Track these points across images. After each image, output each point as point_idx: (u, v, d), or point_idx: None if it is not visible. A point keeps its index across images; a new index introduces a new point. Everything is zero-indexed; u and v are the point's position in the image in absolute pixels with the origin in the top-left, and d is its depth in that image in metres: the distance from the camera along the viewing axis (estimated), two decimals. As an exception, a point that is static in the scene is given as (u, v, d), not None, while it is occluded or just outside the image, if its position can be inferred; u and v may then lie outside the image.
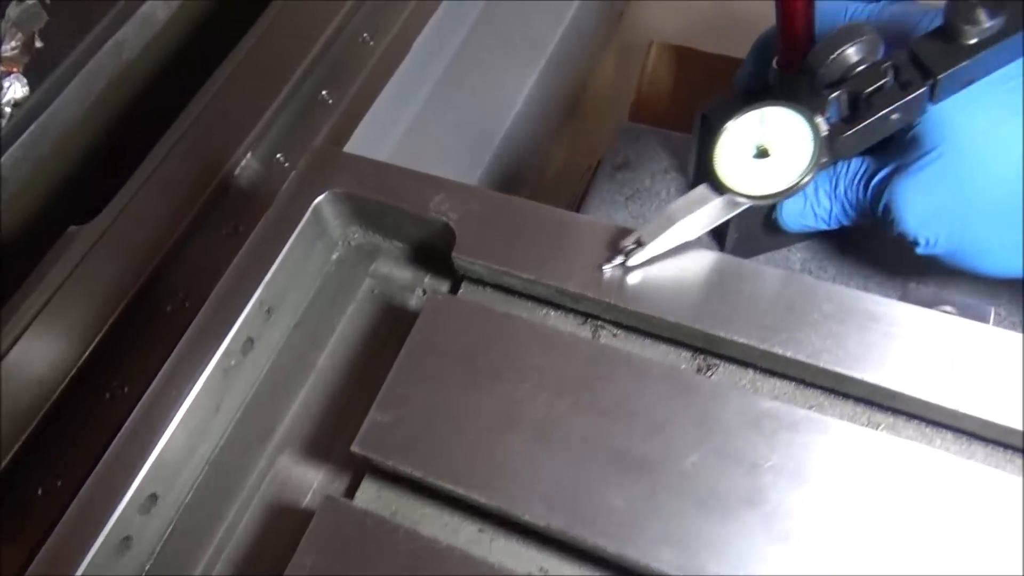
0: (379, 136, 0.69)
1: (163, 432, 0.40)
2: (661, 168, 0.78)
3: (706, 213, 0.43)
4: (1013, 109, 0.43)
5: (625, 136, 0.79)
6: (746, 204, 0.42)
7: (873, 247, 0.65)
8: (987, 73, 0.41)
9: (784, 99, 0.42)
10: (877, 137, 0.42)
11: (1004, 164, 0.44)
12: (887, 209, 0.49)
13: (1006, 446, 0.37)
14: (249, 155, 0.63)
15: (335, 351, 0.49)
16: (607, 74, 1.03)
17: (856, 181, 0.52)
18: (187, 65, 0.73)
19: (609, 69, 1.03)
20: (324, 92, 0.67)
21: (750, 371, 0.41)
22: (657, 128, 0.80)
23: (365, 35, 0.71)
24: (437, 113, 0.75)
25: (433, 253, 0.49)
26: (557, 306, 0.45)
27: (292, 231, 0.46)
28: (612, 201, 0.76)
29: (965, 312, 0.39)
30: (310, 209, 0.47)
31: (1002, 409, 0.35)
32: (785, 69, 0.56)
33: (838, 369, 0.37)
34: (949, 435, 0.38)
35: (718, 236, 0.67)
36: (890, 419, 0.39)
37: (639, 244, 0.43)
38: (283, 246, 0.46)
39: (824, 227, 0.55)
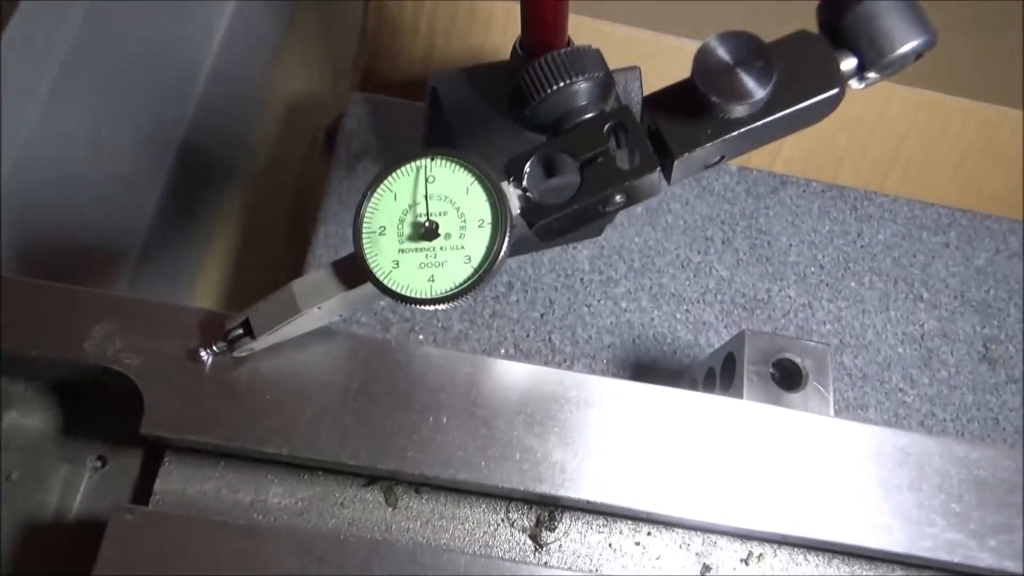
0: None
1: None
2: (405, 148, 0.63)
3: (341, 301, 0.30)
4: None
5: (356, 110, 0.64)
6: (395, 302, 0.29)
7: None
8: (739, 153, 0.29)
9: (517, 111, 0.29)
10: (586, 220, 0.30)
11: None
12: None
13: None
14: None
15: None
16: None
17: None
18: None
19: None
20: None
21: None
22: (394, 98, 0.64)
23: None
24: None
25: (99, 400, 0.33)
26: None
27: None
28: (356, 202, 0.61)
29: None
30: None
31: None
32: (530, 53, 0.43)
33: None
34: None
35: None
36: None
37: (247, 332, 0.28)
38: None
39: None
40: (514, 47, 0.49)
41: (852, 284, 0.66)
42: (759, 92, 0.26)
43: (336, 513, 0.34)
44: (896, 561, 0.34)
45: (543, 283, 0.62)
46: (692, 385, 0.55)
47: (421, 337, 0.58)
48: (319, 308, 0.29)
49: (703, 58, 0.26)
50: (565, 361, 0.60)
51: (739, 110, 0.26)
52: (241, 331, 0.31)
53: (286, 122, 0.83)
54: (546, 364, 0.58)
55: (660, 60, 0.65)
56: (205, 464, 0.34)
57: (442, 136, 0.55)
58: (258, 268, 0.72)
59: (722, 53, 0.26)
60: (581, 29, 0.54)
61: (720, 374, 0.47)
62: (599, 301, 0.62)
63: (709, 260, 0.65)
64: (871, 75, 0.29)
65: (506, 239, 0.28)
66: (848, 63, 0.28)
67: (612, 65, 0.36)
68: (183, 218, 0.69)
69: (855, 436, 0.35)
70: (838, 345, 0.63)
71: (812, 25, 0.30)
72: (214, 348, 0.31)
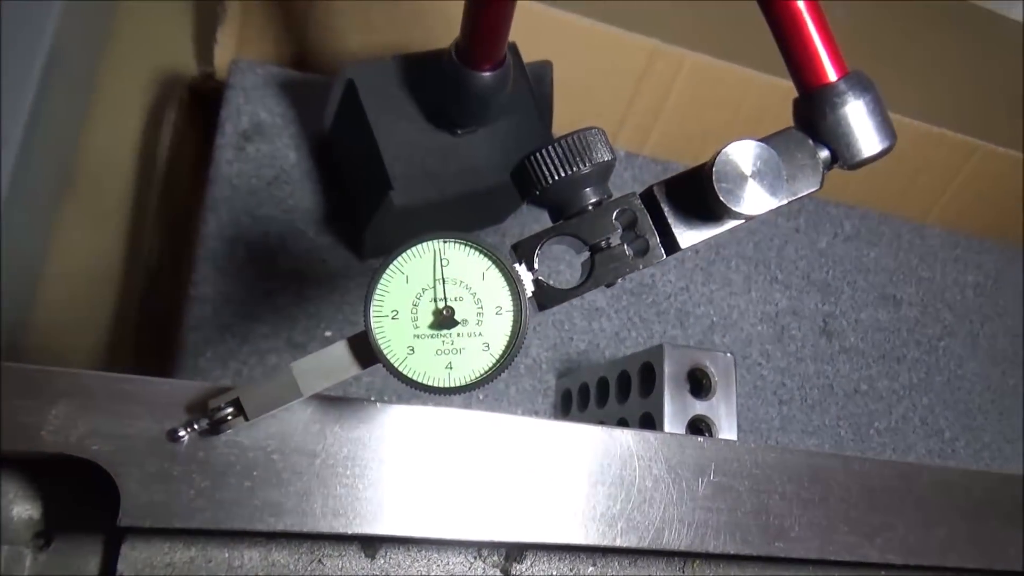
0: None
1: None
2: (304, 128, 0.60)
3: (341, 376, 0.29)
4: None
5: (241, 81, 0.58)
6: (413, 389, 0.28)
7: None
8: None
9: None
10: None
11: None
12: None
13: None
14: None
15: None
16: None
17: None
18: None
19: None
20: None
21: None
22: (284, 68, 0.60)
23: None
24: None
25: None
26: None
27: None
28: (250, 190, 0.57)
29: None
30: None
31: None
32: (465, 61, 0.43)
33: None
34: None
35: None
36: None
37: (240, 412, 0.27)
38: None
39: None
40: (449, 52, 0.47)
41: (722, 268, 0.72)
42: (771, 203, 0.28)
43: (316, 569, 0.33)
44: (811, 561, 0.40)
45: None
46: (586, 386, 0.58)
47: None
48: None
49: (723, 167, 0.27)
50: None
51: (750, 214, 0.28)
52: (231, 411, 0.29)
53: (133, 66, 0.73)
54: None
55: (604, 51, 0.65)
56: (174, 535, 0.32)
57: (353, 132, 0.52)
58: (105, 230, 0.63)
59: (739, 164, 0.28)
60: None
61: (640, 382, 0.51)
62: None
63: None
64: (836, 167, 0.32)
65: (525, 326, 0.28)
66: (823, 155, 0.31)
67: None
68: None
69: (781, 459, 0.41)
70: (710, 325, 0.70)
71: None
72: (195, 427, 0.29)
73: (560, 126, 0.60)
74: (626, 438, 0.36)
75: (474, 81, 0.48)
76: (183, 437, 0.30)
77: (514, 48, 0.54)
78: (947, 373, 0.78)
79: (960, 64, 0.84)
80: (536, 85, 0.57)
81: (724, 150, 0.28)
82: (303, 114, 0.60)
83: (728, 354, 0.50)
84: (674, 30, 0.69)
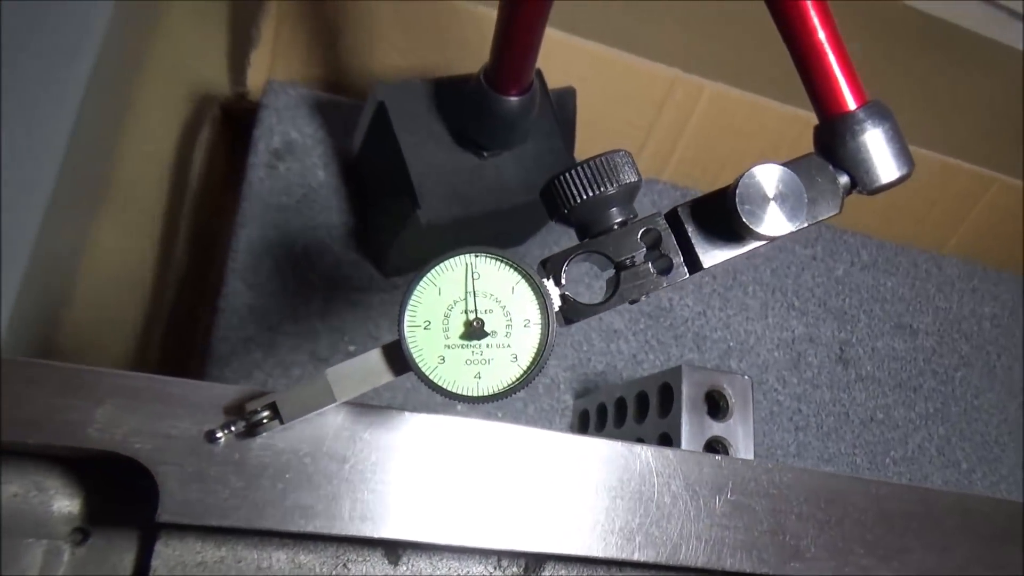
0: None
1: None
2: (333, 148, 0.62)
3: (375, 382, 0.30)
4: None
5: (274, 101, 0.60)
6: (443, 397, 0.29)
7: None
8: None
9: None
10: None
11: None
12: None
13: None
14: None
15: None
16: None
17: None
18: None
19: None
20: None
21: None
22: (314, 91, 0.62)
23: None
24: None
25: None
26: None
27: None
28: (279, 207, 0.59)
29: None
30: None
31: None
32: (493, 86, 0.44)
33: None
34: None
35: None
36: None
37: (275, 415, 0.28)
38: None
39: None
40: (478, 77, 0.49)
41: (739, 294, 0.73)
42: (790, 227, 0.29)
43: (341, 571, 0.34)
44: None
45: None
46: (604, 406, 0.59)
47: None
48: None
49: (747, 189, 0.28)
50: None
51: (771, 236, 0.29)
52: (267, 414, 0.30)
53: (167, 84, 0.76)
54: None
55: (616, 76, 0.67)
56: (205, 534, 0.33)
57: (382, 151, 0.54)
58: (138, 238, 0.65)
59: (763, 185, 0.29)
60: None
61: (659, 402, 0.51)
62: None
63: (620, 270, 0.69)
64: (855, 192, 0.33)
65: (552, 340, 0.29)
66: (843, 180, 0.32)
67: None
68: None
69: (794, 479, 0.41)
70: (726, 350, 0.71)
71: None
72: (232, 429, 0.30)
73: (582, 151, 0.62)
74: (646, 454, 0.37)
75: (501, 105, 0.49)
76: (220, 438, 0.31)
77: (540, 74, 0.56)
78: (964, 403, 0.78)
79: (975, 97, 0.85)
80: (560, 110, 0.59)
81: (749, 172, 0.29)
82: (332, 134, 0.62)
83: (746, 376, 0.50)
84: (694, 59, 0.71)
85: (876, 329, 0.77)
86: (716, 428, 0.49)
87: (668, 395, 0.51)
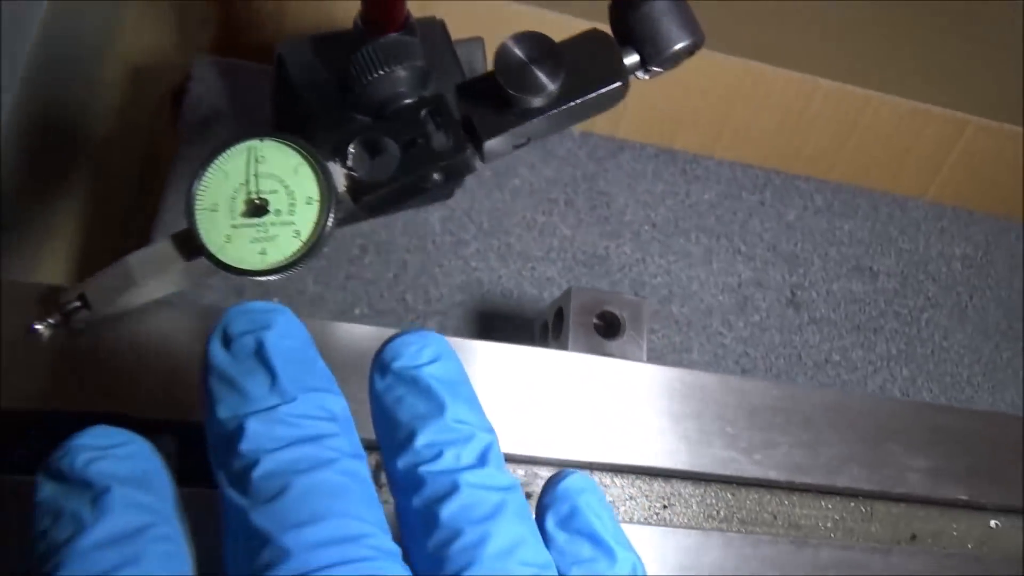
0: None
1: None
2: (259, 117, 0.64)
3: (178, 274, 0.32)
4: None
5: (203, 72, 0.63)
6: (229, 275, 0.31)
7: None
8: (543, 135, 0.33)
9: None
10: (407, 198, 0.33)
11: None
12: None
13: None
14: None
15: None
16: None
17: None
18: None
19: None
20: None
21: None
22: (243, 61, 0.65)
23: None
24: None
25: None
26: None
27: None
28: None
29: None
30: None
31: None
32: (368, 28, 0.45)
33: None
34: None
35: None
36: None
37: (84, 304, 0.30)
38: None
39: None
40: (355, 20, 0.51)
41: (680, 241, 0.73)
42: (549, 86, 0.30)
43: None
44: (683, 476, 0.40)
45: (396, 245, 0.65)
46: (532, 336, 0.60)
47: (276, 300, 0.60)
48: (156, 281, 0.31)
49: (503, 56, 0.29)
50: (418, 318, 0.63)
51: (535, 101, 0.30)
52: (78, 303, 0.32)
53: (132, 83, 0.80)
54: (400, 322, 0.61)
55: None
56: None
57: (289, 105, 0.56)
58: (109, 237, 0.70)
59: (518, 51, 0.30)
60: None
61: (552, 326, 0.52)
62: (450, 261, 0.65)
63: (553, 221, 0.70)
64: (654, 68, 0.33)
65: (331, 214, 0.31)
66: (632, 59, 0.33)
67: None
68: (23, 187, 0.67)
69: (652, 376, 0.41)
70: (667, 295, 0.70)
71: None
72: (49, 321, 0.33)
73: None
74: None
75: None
76: (40, 330, 0.33)
77: (441, 25, 0.58)
78: (931, 345, 0.76)
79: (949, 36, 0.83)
80: (468, 62, 0.60)
81: (505, 40, 0.30)
82: (259, 102, 0.64)
83: (641, 296, 0.50)
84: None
85: (832, 272, 0.76)
86: (609, 347, 0.50)
87: (561, 319, 0.51)
